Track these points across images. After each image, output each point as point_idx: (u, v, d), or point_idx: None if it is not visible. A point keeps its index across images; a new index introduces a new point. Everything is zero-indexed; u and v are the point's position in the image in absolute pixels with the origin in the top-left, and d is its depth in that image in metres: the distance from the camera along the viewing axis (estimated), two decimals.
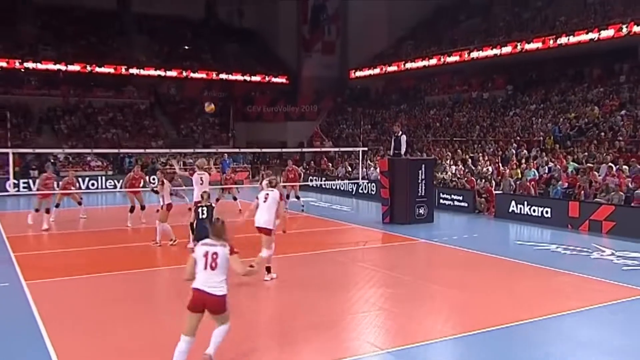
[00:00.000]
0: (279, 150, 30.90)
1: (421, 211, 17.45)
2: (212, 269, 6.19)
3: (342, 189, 25.90)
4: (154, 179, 22.01)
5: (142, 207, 17.73)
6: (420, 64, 37.98)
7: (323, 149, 25.83)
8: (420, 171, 17.51)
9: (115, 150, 32.04)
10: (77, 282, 10.85)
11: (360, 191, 24.33)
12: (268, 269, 10.37)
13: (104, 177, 30.58)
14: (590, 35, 29.20)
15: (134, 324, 8.40)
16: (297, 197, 20.13)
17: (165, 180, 14.22)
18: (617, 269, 11.82)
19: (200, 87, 44.26)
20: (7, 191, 26.15)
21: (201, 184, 12.69)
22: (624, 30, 27.85)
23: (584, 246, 14.02)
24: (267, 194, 10.25)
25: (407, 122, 36.77)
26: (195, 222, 11.29)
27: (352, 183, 24.58)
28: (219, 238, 6.35)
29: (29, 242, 15.62)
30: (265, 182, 11.16)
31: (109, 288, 10.44)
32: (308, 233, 16.56)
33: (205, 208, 11.08)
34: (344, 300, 9.53)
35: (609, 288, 10.27)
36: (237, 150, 32.64)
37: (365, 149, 20.48)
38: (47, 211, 16.94)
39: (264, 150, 30.21)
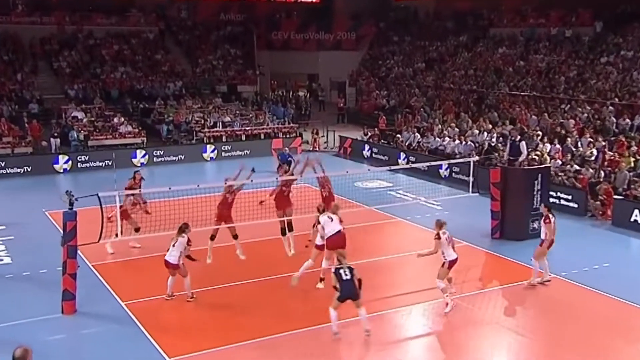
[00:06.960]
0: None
1: (535, 225, 17.25)
2: None
3: (412, 166, 23.85)
4: None
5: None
6: None
7: None
8: (536, 182, 17.20)
9: None
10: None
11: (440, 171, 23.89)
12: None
13: (142, 150, 26.88)
14: None
15: None
16: None
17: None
18: None
19: (216, 9, 42.84)
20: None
21: (331, 221, 13.47)
22: None
23: None
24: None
25: (469, 62, 35.99)
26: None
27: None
28: None
29: (125, 276, 14.69)
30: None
31: None
32: (404, 260, 15.50)
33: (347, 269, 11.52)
34: None
35: None
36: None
37: (477, 159, 19.58)
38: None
39: None
